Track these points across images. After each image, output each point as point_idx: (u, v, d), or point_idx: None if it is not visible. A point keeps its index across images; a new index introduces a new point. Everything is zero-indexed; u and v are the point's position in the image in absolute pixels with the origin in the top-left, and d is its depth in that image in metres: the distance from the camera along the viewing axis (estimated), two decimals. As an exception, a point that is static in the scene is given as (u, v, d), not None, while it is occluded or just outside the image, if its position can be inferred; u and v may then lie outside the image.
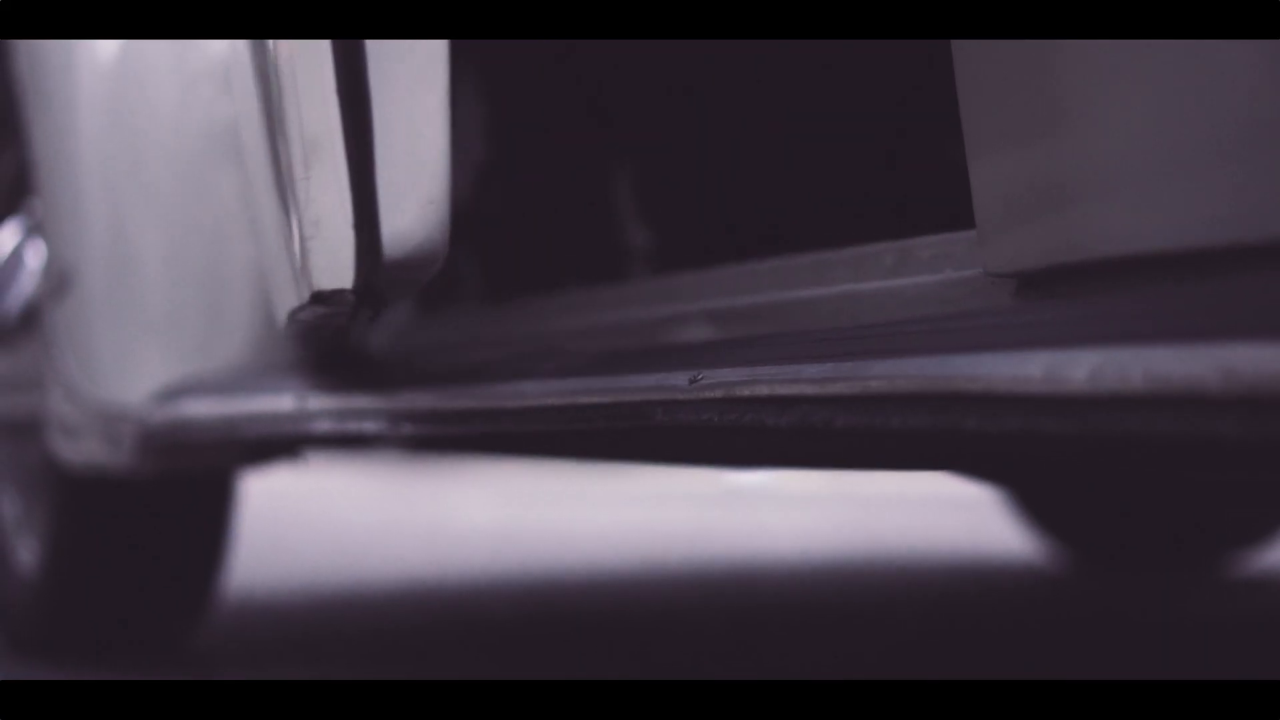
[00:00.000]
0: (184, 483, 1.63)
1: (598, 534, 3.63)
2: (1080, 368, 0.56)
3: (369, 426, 1.07)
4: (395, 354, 1.13)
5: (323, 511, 4.30)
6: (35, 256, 1.65)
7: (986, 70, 0.71)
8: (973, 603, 2.12)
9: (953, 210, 1.01)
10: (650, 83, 1.18)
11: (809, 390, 0.67)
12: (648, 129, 1.23)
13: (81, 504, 1.65)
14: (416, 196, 0.89)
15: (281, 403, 1.14)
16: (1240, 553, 2.31)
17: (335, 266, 0.90)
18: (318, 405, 1.11)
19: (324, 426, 1.13)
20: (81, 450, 1.51)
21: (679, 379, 0.75)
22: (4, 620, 1.83)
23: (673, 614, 2.05)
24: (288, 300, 0.99)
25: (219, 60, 1.26)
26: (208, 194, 1.37)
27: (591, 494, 4.60)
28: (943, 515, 3.57)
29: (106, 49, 1.26)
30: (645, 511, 4.18)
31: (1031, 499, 2.36)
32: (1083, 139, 0.65)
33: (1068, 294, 0.66)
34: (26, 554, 1.85)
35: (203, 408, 1.31)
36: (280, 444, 1.47)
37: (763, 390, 0.69)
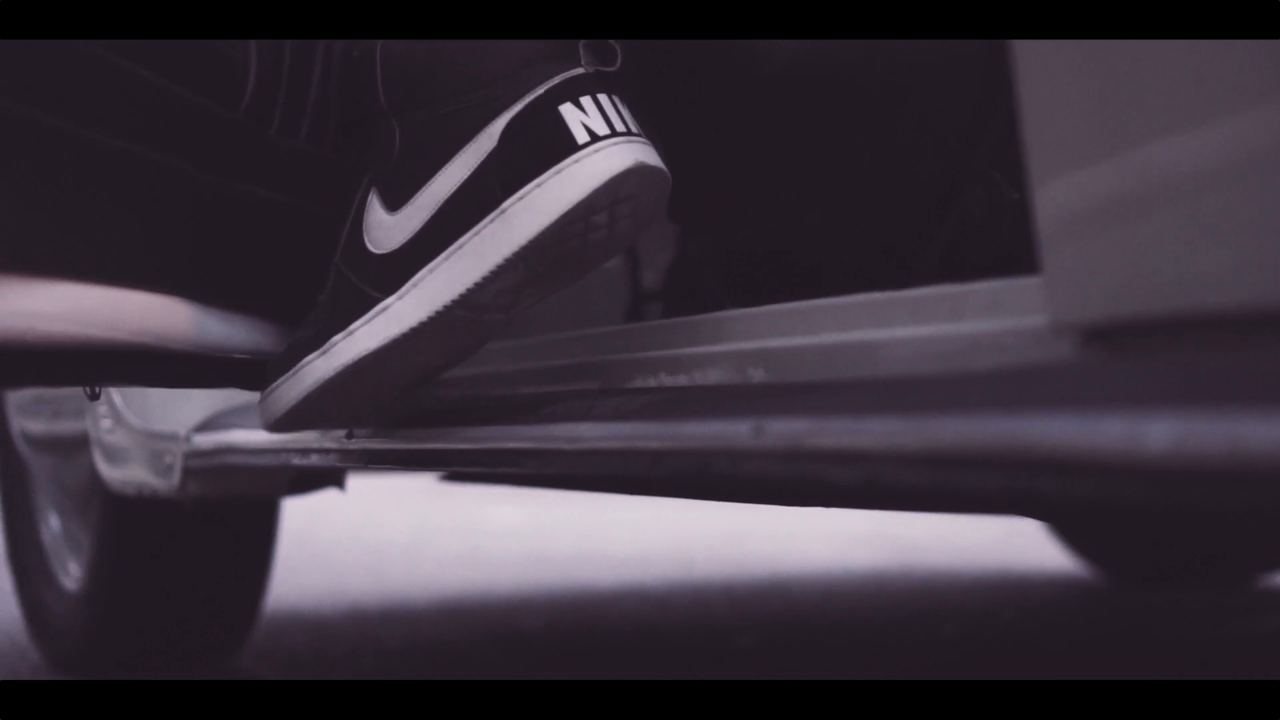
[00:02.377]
0: (227, 506, 1.63)
1: (628, 538, 3.63)
2: (1161, 433, 0.55)
3: (416, 465, 1.07)
4: (442, 387, 1.13)
5: (352, 508, 4.30)
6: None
7: (1058, 81, 0.66)
8: (1006, 614, 2.11)
9: (1011, 250, 1.00)
10: (700, 113, 1.17)
11: (877, 445, 0.66)
12: (690, 159, 1.22)
13: (125, 526, 1.66)
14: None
15: (328, 438, 1.15)
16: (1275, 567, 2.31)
17: None
18: (362, 443, 1.11)
19: (368, 463, 1.13)
20: (127, 475, 1.52)
21: (742, 428, 0.74)
22: (45, 640, 1.83)
23: (702, 624, 2.05)
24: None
25: None
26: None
27: (621, 497, 4.58)
28: (973, 522, 3.56)
29: None
30: (675, 510, 4.17)
31: (1068, 528, 2.36)
32: (1175, 169, 0.60)
33: (1144, 347, 0.64)
34: (68, 575, 1.86)
35: (249, 437, 1.31)
36: (325, 474, 1.48)
37: (829, 443, 0.69)
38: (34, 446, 1.92)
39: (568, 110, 0.92)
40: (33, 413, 1.92)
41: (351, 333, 0.98)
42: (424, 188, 0.95)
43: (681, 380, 0.96)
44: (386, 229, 0.97)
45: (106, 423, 1.56)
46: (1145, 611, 2.12)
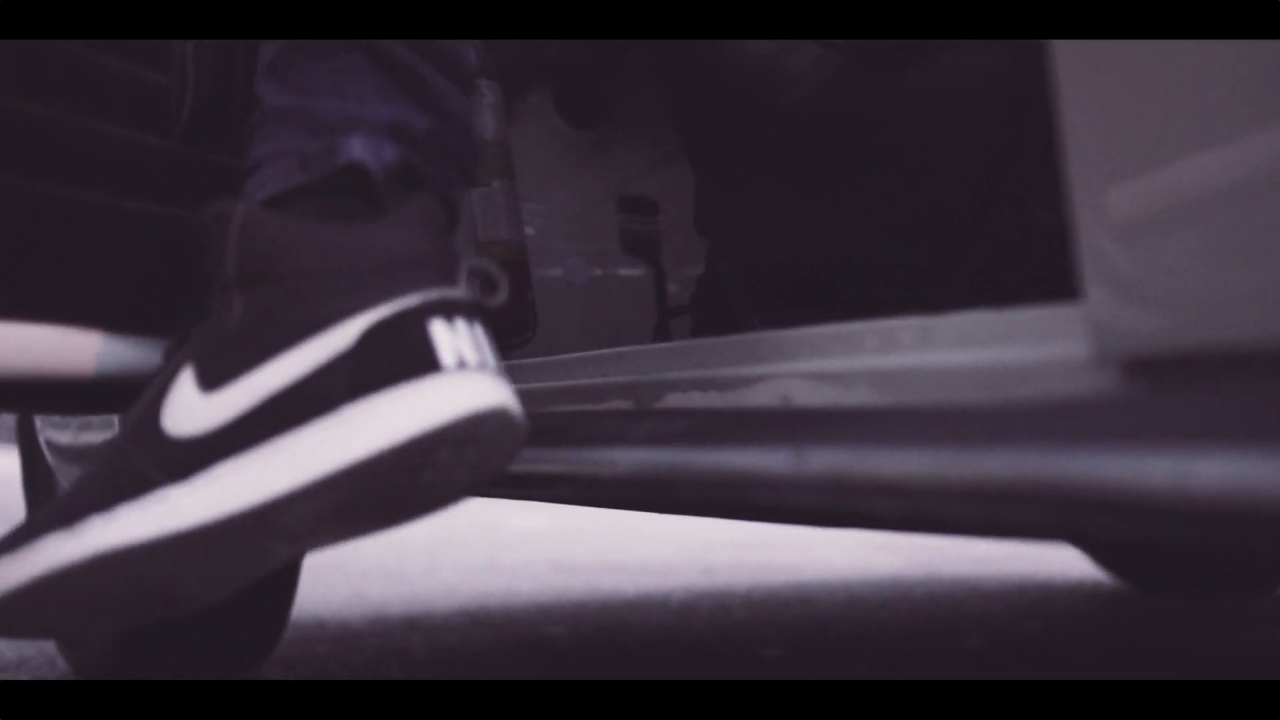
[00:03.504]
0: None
1: (648, 544, 3.62)
2: (1209, 472, 0.55)
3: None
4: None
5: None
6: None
7: (1102, 87, 0.62)
8: (1030, 624, 2.11)
9: (1044, 274, 0.99)
10: (732, 132, 1.17)
11: (920, 479, 0.66)
12: (721, 177, 1.22)
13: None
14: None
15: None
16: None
17: None
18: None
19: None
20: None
21: (781, 457, 0.74)
22: (73, 649, 1.84)
23: (725, 633, 2.05)
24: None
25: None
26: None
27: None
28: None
29: None
30: (694, 517, 4.16)
31: (1094, 544, 2.36)
32: (1231, 185, 0.56)
33: (1190, 380, 0.63)
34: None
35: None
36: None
37: (871, 476, 0.69)
38: (61, 458, 1.93)
39: (439, 328, 0.81)
40: (60, 424, 1.92)
41: (113, 514, 0.82)
42: (253, 371, 0.82)
43: (715, 401, 0.96)
44: (192, 410, 0.83)
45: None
46: (1169, 621, 2.12)
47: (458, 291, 0.83)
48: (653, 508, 1.28)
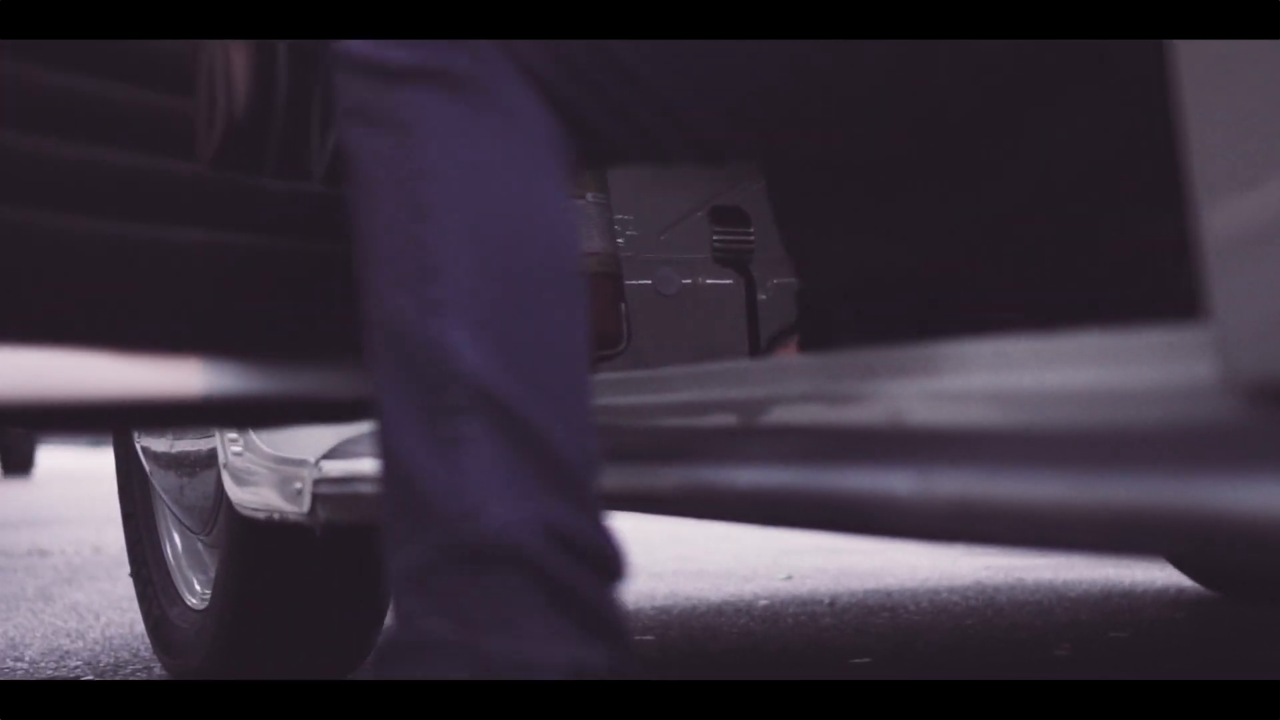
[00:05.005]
0: (352, 529, 1.65)
1: (728, 549, 3.62)
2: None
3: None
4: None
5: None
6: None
7: (1230, 84, 0.59)
8: (1119, 632, 2.09)
9: (1166, 293, 0.98)
10: (836, 142, 1.17)
11: (1048, 507, 0.66)
12: (821, 189, 1.22)
13: (252, 547, 1.68)
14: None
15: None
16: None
17: None
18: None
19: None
20: (257, 499, 1.54)
21: (904, 481, 0.74)
22: (170, 655, 1.86)
23: (812, 641, 2.05)
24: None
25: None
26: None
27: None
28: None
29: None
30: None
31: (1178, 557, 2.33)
32: None
33: None
34: (192, 592, 1.88)
35: (369, 467, 1.33)
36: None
37: (998, 504, 0.69)
38: (158, 464, 1.95)
39: None
40: (157, 433, 1.95)
41: None
42: None
43: (822, 417, 0.96)
44: None
45: (236, 447, 1.58)
46: (1263, 629, 2.10)
47: None
48: (770, 524, 1.28)
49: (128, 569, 2.02)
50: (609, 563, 0.87)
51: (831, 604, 2.51)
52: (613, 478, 0.99)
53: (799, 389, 0.96)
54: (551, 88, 0.90)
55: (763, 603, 2.55)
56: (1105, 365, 0.78)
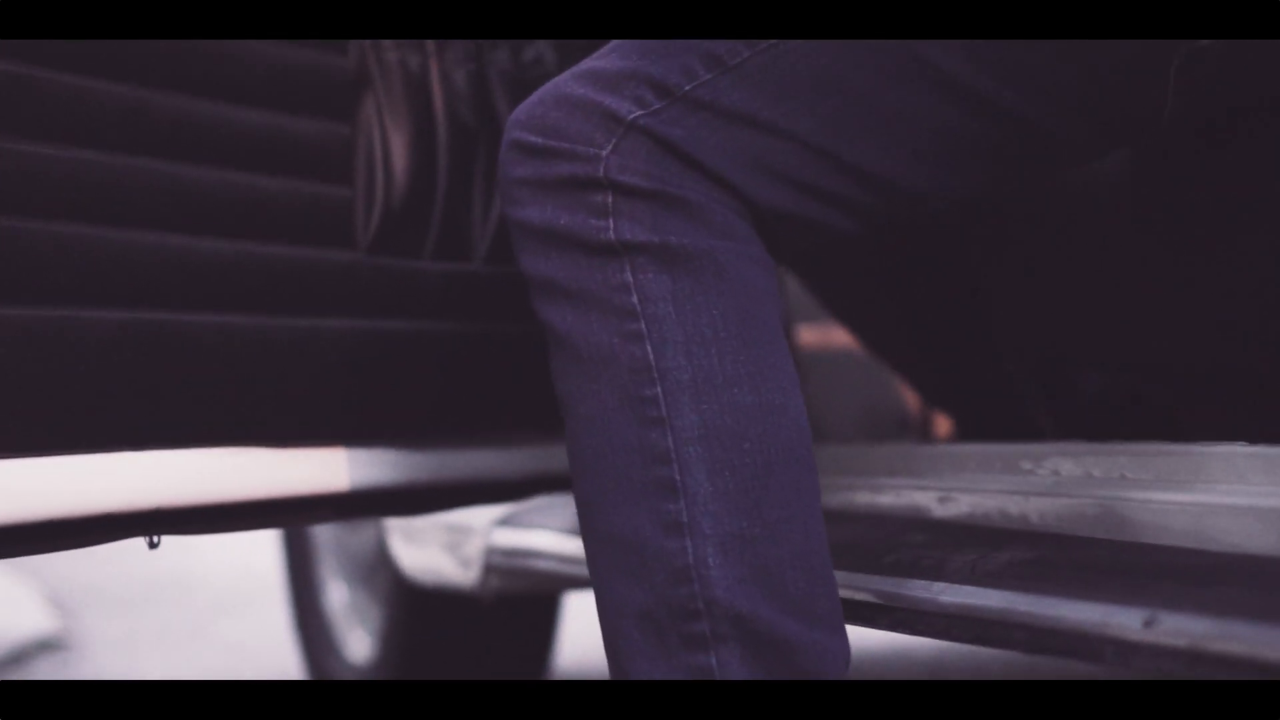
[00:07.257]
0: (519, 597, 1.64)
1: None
2: None
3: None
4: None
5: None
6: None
7: None
8: None
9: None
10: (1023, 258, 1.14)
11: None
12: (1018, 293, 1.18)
13: (417, 607, 1.68)
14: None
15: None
16: None
17: None
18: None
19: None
20: (425, 564, 1.53)
21: (1131, 617, 0.70)
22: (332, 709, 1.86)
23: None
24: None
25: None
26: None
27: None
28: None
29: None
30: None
31: None
32: None
33: None
34: (353, 645, 1.88)
35: (544, 540, 1.31)
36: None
37: (1235, 650, 0.65)
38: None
39: None
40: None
41: None
42: None
43: (1023, 523, 0.93)
44: None
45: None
46: None
47: None
48: (974, 643, 1.24)
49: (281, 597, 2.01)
50: None
51: (999, 653, 2.46)
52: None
53: (989, 481, 0.93)
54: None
55: (925, 651, 2.51)
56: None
